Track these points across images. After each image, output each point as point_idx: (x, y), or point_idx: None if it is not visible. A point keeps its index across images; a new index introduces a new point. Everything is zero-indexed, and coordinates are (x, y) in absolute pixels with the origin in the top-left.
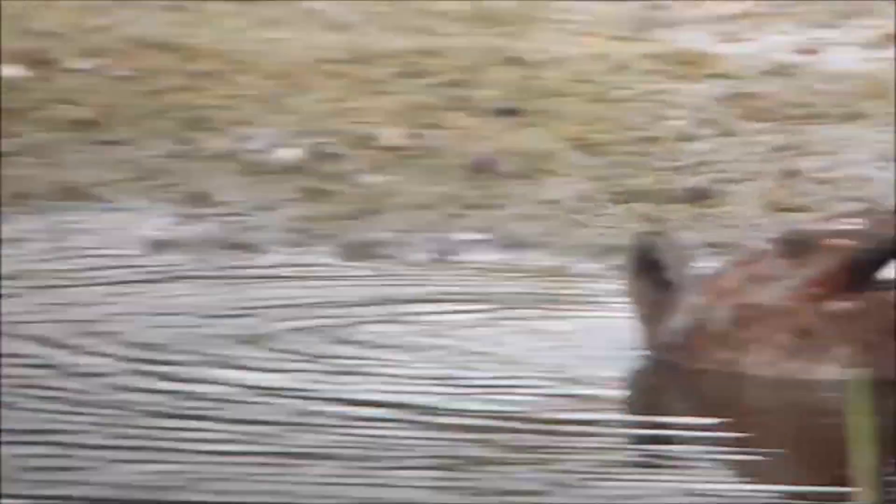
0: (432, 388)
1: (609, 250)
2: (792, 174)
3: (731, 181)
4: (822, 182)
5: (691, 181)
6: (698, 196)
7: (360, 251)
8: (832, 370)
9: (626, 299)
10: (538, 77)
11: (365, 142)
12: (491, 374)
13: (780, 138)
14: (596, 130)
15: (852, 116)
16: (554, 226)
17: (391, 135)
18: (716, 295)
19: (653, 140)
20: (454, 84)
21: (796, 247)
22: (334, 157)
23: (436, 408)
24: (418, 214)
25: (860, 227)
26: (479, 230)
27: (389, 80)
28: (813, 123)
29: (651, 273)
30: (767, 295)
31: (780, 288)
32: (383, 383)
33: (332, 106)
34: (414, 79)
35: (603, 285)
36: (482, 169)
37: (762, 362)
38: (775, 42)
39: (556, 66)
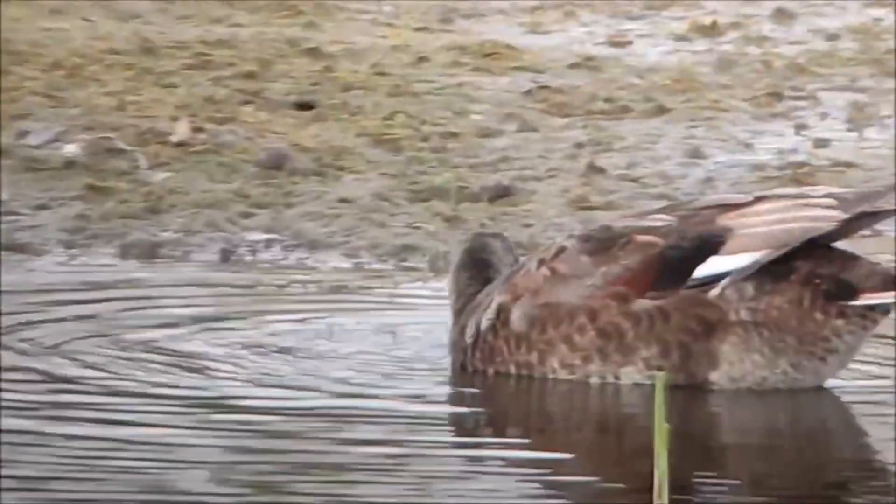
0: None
1: (405, 250)
2: (596, 171)
3: (533, 178)
4: (626, 179)
5: (492, 178)
6: (499, 194)
7: (143, 251)
8: (636, 374)
9: (448, 298)
10: (335, 69)
11: (150, 137)
12: (282, 372)
13: (584, 134)
14: (394, 125)
15: (658, 111)
16: (347, 225)
17: (178, 129)
18: (514, 294)
19: (453, 135)
20: (246, 76)
21: (601, 243)
22: (118, 152)
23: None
24: (205, 213)
25: (670, 223)
26: (269, 229)
27: (178, 72)
28: (618, 118)
29: (478, 272)
30: (569, 294)
31: (582, 286)
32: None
33: (117, 99)
34: (203, 71)
35: (398, 286)
36: (273, 165)
37: (562, 365)
38: (582, 34)
39: (355, 57)
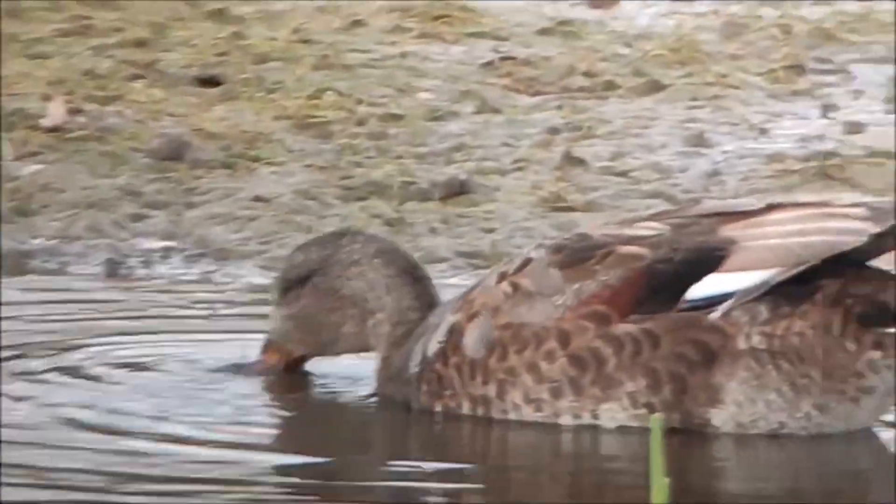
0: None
1: None
2: (574, 163)
3: (495, 171)
4: (611, 173)
5: (444, 172)
6: (453, 191)
7: (10, 262)
8: (620, 412)
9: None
10: (246, 36)
11: (17, 120)
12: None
13: (558, 116)
14: (322, 106)
15: (652, 88)
16: (265, 230)
17: (51, 111)
18: (469, 313)
19: (395, 119)
20: (136, 45)
21: (575, 255)
22: None
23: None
24: (86, 215)
25: (661, 232)
26: (166, 235)
27: (50, 40)
28: (601, 97)
29: (410, 289)
30: (535, 314)
31: (551, 306)
32: None
33: None
34: (82, 38)
35: None
36: (171, 155)
37: (526, 400)
38: None
39: (271, 21)
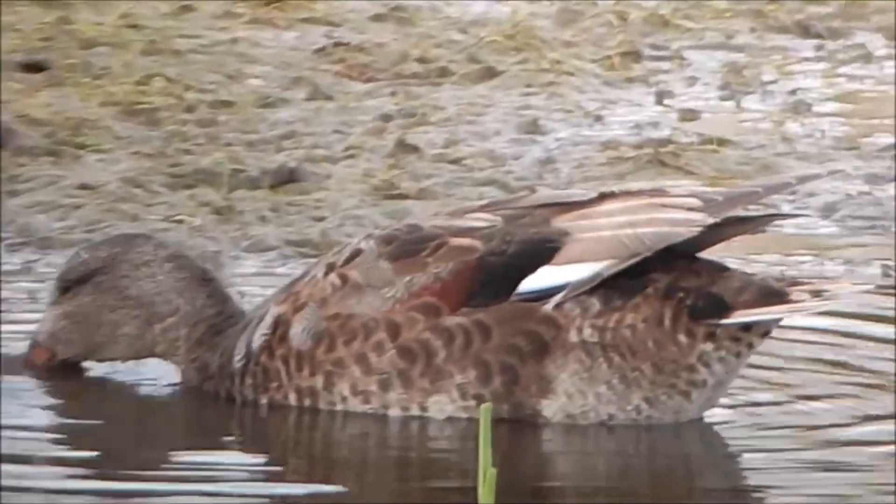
0: None
1: None
2: (407, 150)
3: (326, 159)
4: (445, 160)
5: (274, 160)
6: (283, 179)
7: None
8: (448, 404)
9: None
10: (72, 20)
11: None
12: None
13: (391, 103)
14: (150, 92)
15: (486, 75)
16: (90, 218)
17: None
18: (295, 305)
19: (225, 105)
20: None
21: (405, 247)
22: None
23: None
24: None
25: (494, 223)
26: None
27: None
28: (435, 84)
29: (202, 289)
30: (364, 306)
31: (381, 298)
32: None
33: None
34: None
35: None
36: None
37: (353, 392)
38: None
39: (98, 6)
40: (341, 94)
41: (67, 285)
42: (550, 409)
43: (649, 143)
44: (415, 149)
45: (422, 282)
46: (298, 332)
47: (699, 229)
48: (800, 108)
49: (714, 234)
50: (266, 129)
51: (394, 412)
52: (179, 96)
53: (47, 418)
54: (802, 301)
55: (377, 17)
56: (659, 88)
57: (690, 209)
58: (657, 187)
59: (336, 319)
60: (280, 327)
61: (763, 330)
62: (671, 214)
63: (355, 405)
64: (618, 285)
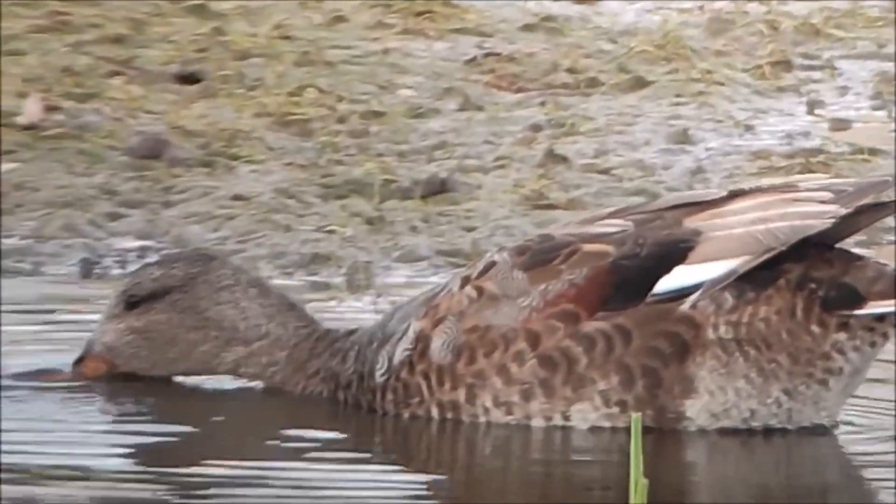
0: None
1: (315, 260)
2: (556, 160)
3: (477, 169)
4: (594, 170)
5: (425, 170)
6: (434, 189)
7: None
8: (592, 412)
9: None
10: (226, 32)
11: None
12: None
13: (541, 113)
14: (302, 103)
15: (636, 85)
16: (243, 228)
17: (28, 108)
18: (434, 320)
19: (376, 116)
20: (114, 41)
21: (539, 256)
22: None
23: None
24: (61, 214)
25: (625, 228)
26: (143, 235)
27: (26, 36)
28: (585, 94)
29: (292, 313)
30: (501, 317)
31: (517, 308)
32: None
33: None
34: (59, 34)
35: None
36: (149, 154)
37: (496, 404)
38: None
39: (252, 17)
40: (491, 104)
41: (136, 300)
42: (694, 409)
43: (800, 153)
44: (564, 159)
45: (557, 289)
46: (438, 347)
47: (832, 221)
48: None
49: (848, 224)
50: (417, 139)
51: (537, 422)
52: (332, 107)
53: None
54: None
55: (527, 28)
56: (810, 98)
57: (822, 202)
58: (787, 182)
59: (475, 332)
60: (420, 342)
61: None
62: (803, 208)
63: (498, 416)
64: (750, 278)
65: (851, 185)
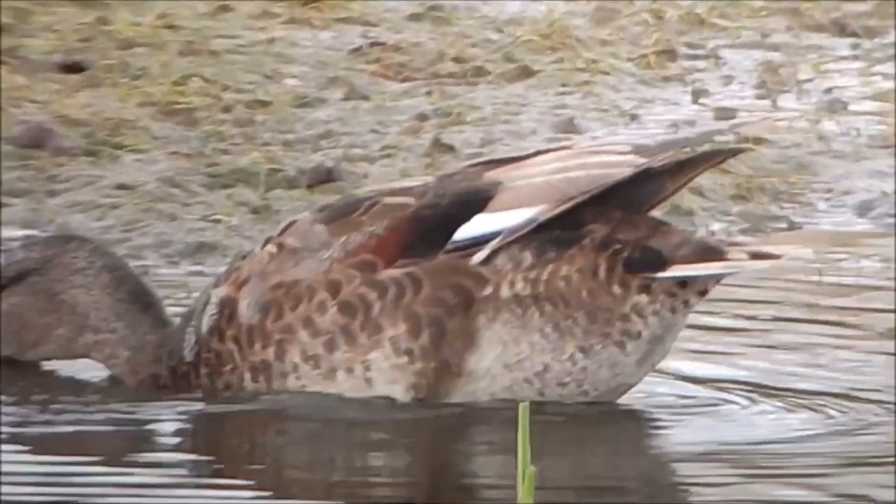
0: None
1: (201, 249)
2: (443, 149)
3: (364, 158)
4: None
5: (312, 159)
6: (320, 178)
7: None
8: (384, 360)
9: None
10: (111, 21)
11: None
12: None
13: (428, 102)
14: (186, 92)
15: (522, 74)
16: (128, 217)
17: None
18: (238, 283)
19: (262, 105)
20: None
21: (340, 210)
22: None
23: None
24: None
25: (427, 182)
26: (27, 224)
27: None
28: (471, 83)
29: (143, 316)
30: (303, 270)
31: (318, 261)
32: None
33: None
34: None
35: (191, 297)
36: (32, 143)
37: (304, 358)
38: None
39: (136, 6)
40: (378, 93)
41: (3, 284)
42: (475, 362)
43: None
44: (451, 148)
45: (357, 240)
46: (245, 307)
47: (631, 171)
48: (835, 106)
49: (654, 186)
50: (303, 128)
51: (342, 377)
52: (217, 96)
53: None
54: (740, 260)
55: (413, 17)
56: (695, 87)
57: (622, 153)
58: (593, 140)
59: (280, 288)
60: (226, 308)
61: (700, 288)
62: (603, 158)
63: (306, 373)
64: (554, 238)
65: (655, 142)
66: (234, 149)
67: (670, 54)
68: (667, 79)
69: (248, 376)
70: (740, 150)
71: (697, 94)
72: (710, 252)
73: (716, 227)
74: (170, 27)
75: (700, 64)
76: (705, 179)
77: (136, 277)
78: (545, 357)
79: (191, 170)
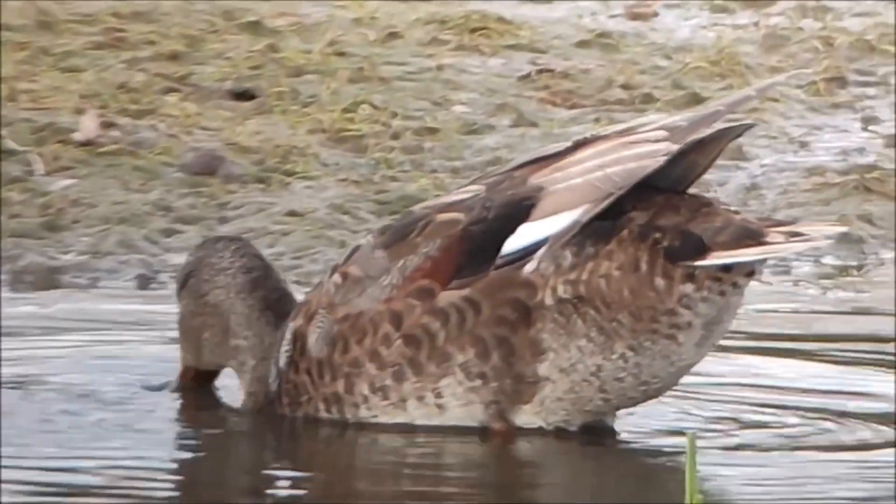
0: None
1: None
2: None
3: None
4: None
5: None
6: None
7: (40, 277)
8: (457, 386)
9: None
10: (281, 49)
11: (48, 134)
12: None
13: (595, 129)
14: (356, 120)
15: (690, 101)
16: (298, 244)
17: (84, 125)
18: (307, 315)
19: (430, 132)
20: (169, 58)
21: (397, 232)
22: (7, 154)
23: None
24: (117, 230)
25: (477, 193)
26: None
27: (83, 53)
28: (640, 110)
29: (271, 328)
30: (365, 300)
31: (379, 288)
32: None
33: (7, 87)
34: (115, 51)
35: None
36: (203, 170)
37: (372, 390)
38: (595, 4)
39: (306, 34)
40: (545, 120)
41: (178, 290)
42: (545, 368)
43: (855, 169)
44: None
45: (414, 263)
46: (314, 341)
47: (665, 158)
48: None
49: (689, 163)
50: (470, 155)
51: (412, 406)
52: (386, 123)
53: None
54: (779, 243)
55: (582, 44)
56: (865, 114)
57: (654, 141)
58: (627, 126)
59: (346, 321)
60: (298, 341)
61: (747, 269)
62: (637, 149)
63: (376, 404)
64: (592, 231)
65: (685, 121)
66: (403, 175)
67: (840, 81)
68: (836, 105)
69: (321, 406)
70: (753, 125)
71: (867, 121)
72: (750, 236)
73: (887, 255)
74: (339, 54)
75: (870, 91)
76: (875, 207)
77: (279, 283)
78: (596, 359)
79: (360, 197)
